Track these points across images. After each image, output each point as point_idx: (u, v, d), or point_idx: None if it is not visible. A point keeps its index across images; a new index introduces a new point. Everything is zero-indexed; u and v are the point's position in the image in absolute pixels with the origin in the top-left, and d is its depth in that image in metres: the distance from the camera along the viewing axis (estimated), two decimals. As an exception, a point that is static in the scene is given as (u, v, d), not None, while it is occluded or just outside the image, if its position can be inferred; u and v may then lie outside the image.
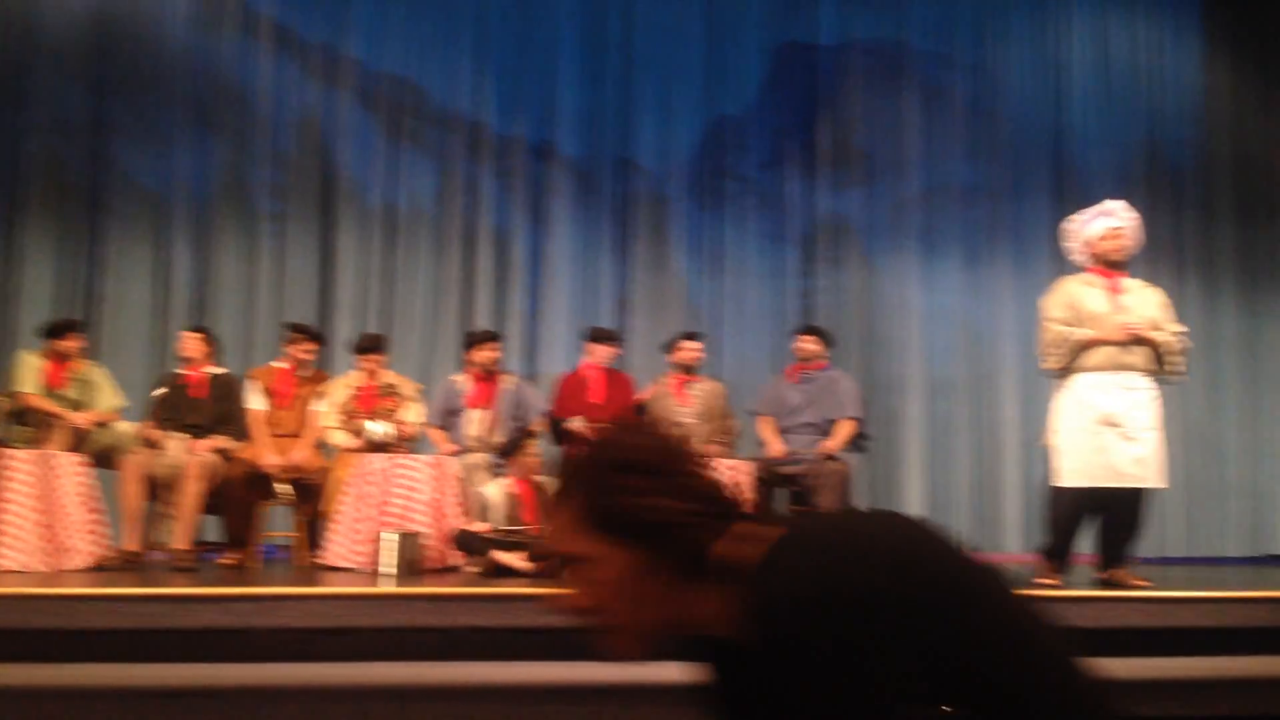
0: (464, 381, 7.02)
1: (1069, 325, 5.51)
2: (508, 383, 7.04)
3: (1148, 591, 4.64)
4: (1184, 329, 5.64)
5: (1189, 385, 10.03)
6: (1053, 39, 10.43)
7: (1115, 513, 5.47)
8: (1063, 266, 6.23)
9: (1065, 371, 5.52)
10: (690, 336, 7.56)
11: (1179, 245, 10.25)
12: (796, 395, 7.24)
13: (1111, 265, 5.61)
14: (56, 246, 8.66)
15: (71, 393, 6.53)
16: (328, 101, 9.22)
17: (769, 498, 7.20)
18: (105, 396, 6.66)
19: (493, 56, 9.49)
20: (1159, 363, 5.51)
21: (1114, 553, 5.50)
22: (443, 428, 6.96)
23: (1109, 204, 5.74)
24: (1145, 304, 5.55)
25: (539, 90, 9.58)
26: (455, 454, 6.62)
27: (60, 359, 6.56)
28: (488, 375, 6.97)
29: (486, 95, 9.44)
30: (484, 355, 6.95)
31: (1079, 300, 5.55)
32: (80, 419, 6.42)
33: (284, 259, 8.92)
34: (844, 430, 7.08)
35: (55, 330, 6.65)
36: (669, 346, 7.54)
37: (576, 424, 7.08)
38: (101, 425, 6.54)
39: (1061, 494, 5.50)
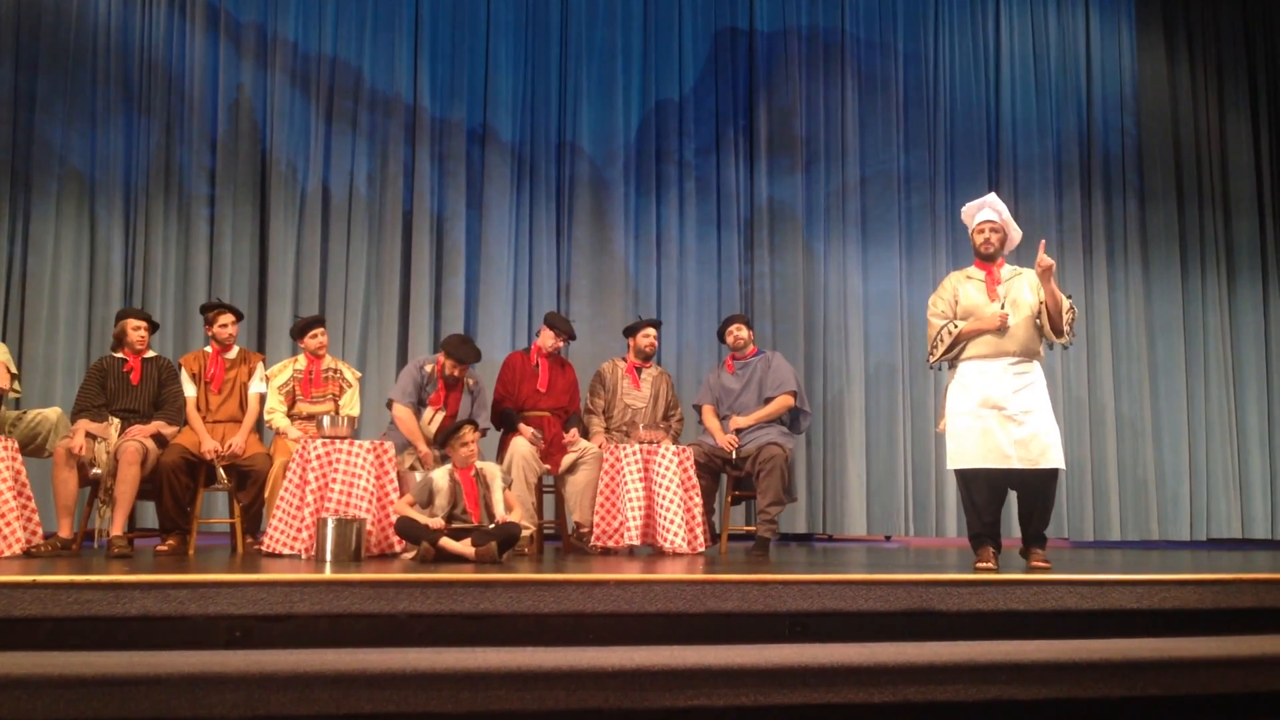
0: (433, 374, 6.94)
1: (950, 319, 5.70)
2: (471, 385, 6.98)
3: (1085, 575, 4.72)
4: (1069, 294, 5.79)
5: (1128, 371, 10.21)
6: (988, 27, 10.54)
7: (1022, 495, 5.68)
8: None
9: (952, 362, 5.71)
10: (652, 324, 7.65)
11: (1112, 232, 10.42)
12: (735, 382, 7.38)
13: (986, 257, 5.75)
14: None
15: None
16: (261, 83, 9.08)
17: (714, 482, 7.29)
18: None
19: (429, 39, 9.41)
20: (1052, 332, 5.63)
21: (1025, 534, 5.73)
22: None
23: (987, 197, 5.87)
24: (1020, 289, 5.69)
25: (476, 73, 9.52)
26: (425, 456, 6.59)
27: None
28: (453, 382, 6.92)
29: (423, 78, 9.36)
30: (453, 372, 6.88)
31: (959, 294, 5.73)
32: None
33: (218, 243, 8.77)
34: (777, 402, 7.23)
35: None
36: (631, 330, 7.64)
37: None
38: None
39: (962, 478, 5.66)
